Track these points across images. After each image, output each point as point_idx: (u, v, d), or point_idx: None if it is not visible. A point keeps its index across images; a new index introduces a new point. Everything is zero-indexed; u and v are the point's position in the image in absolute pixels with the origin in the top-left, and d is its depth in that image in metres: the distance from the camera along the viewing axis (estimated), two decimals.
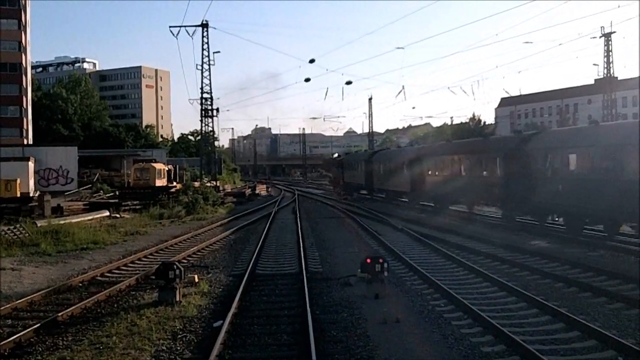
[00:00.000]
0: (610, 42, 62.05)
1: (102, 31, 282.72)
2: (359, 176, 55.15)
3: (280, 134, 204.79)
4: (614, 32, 61.73)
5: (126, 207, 39.28)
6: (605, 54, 62.75)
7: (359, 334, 10.73)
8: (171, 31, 59.00)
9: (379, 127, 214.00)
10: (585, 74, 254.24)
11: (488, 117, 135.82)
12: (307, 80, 63.48)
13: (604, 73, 64.22)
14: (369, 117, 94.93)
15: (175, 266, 13.34)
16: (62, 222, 28.04)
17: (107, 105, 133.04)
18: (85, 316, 12.40)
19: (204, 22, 59.80)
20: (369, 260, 13.85)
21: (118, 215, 34.92)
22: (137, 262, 19.66)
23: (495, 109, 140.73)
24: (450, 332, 10.78)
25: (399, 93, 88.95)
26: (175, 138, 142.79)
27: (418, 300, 13.24)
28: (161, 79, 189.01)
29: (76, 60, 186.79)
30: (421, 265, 17.04)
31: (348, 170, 60.64)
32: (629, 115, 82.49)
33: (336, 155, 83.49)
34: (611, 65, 62.72)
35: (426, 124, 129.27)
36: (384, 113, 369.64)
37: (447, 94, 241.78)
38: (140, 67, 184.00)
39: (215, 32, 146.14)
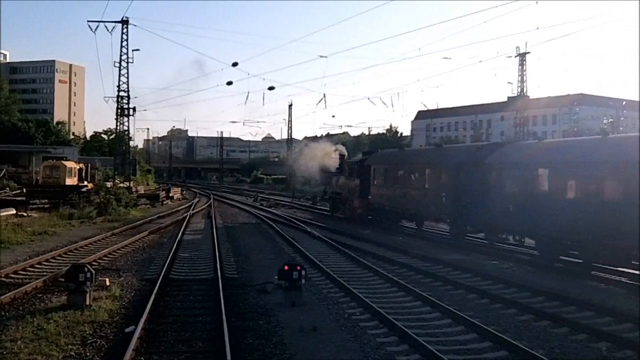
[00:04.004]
0: (524, 62, 64.44)
1: (14, 21, 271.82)
2: (423, 195, 28.52)
3: (197, 137, 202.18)
4: (528, 52, 64.12)
5: (34, 206, 37.80)
6: (520, 73, 65.15)
7: (275, 342, 10.65)
8: (89, 26, 57.08)
9: (298, 134, 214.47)
10: (502, 92, 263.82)
11: (405, 129, 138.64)
12: (229, 83, 62.40)
13: (517, 91, 66.65)
14: (289, 123, 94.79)
15: (86, 269, 12.91)
16: None
17: (17, 99, 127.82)
18: None
19: (125, 18, 58.32)
20: (286, 268, 13.81)
21: (25, 214, 33.56)
22: (44, 263, 18.90)
23: (412, 121, 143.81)
24: (367, 340, 10.87)
25: (320, 101, 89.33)
26: (88, 136, 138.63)
27: (335, 309, 13.29)
28: (75, 75, 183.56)
29: None
30: None
31: (385, 181, 33.56)
32: (538, 133, 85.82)
33: (333, 151, 46.75)
34: (525, 84, 65.13)
35: (344, 133, 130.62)
36: (304, 120, 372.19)
37: (367, 104, 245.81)
38: (53, 61, 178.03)
39: (135, 30, 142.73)
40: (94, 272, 13.16)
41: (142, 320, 11.21)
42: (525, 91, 65.99)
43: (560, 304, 13.95)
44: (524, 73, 64.91)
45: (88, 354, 9.78)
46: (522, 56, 64.00)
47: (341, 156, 43.79)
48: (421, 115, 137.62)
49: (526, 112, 69.12)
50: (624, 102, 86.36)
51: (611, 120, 79.57)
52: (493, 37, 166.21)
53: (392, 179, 32.63)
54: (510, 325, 12.14)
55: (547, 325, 12.19)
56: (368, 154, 39.12)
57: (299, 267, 13.80)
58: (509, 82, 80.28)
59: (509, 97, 79.87)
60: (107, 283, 15.11)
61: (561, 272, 18.68)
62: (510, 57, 64.39)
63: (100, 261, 19.58)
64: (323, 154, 47.53)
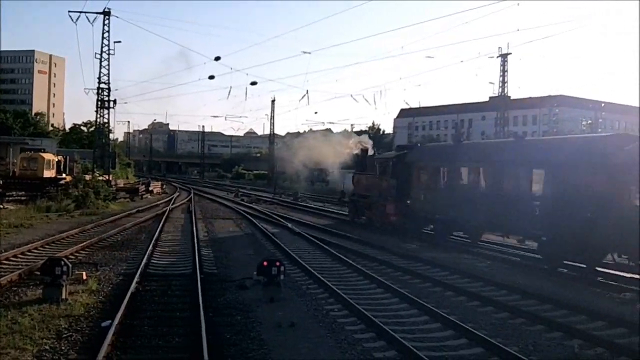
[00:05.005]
0: (506, 63, 64.90)
1: None
2: (503, 202, 20.82)
3: (179, 131, 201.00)
4: (510, 53, 64.60)
5: (10, 198, 37.38)
6: (501, 74, 65.57)
7: (252, 337, 10.62)
8: (70, 16, 56.46)
9: (280, 130, 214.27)
10: (484, 91, 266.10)
11: (387, 127, 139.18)
12: (212, 77, 62.27)
13: (498, 92, 67.11)
14: (271, 119, 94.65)
15: (62, 262, 12.77)
16: None
17: None
18: None
19: (106, 9, 57.76)
20: (265, 263, 13.79)
21: (1, 206, 33.19)
22: (20, 256, 18.65)
23: (394, 119, 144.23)
24: (344, 337, 10.87)
25: (303, 97, 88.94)
26: (67, 128, 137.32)
27: (313, 305, 13.28)
28: (55, 65, 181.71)
29: None
30: None
31: (435, 183, 26.47)
32: (518, 133, 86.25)
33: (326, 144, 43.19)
34: (506, 84, 65.59)
35: (327, 129, 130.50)
36: (286, 116, 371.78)
37: (349, 101, 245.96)
38: (33, 51, 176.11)
39: (117, 22, 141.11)
40: (70, 265, 13.03)
41: (119, 314, 11.11)
42: (506, 91, 66.48)
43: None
44: (505, 73, 65.42)
45: (63, 348, 9.67)
46: (504, 57, 64.54)
47: (364, 151, 36.79)
48: (403, 113, 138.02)
49: (507, 113, 69.60)
50: (603, 104, 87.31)
51: (590, 122, 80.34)
52: (475, 38, 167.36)
53: (448, 179, 25.49)
54: (486, 323, 12.22)
55: (522, 322, 12.29)
56: (407, 148, 31.86)
57: (278, 263, 13.81)
58: (490, 82, 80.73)
59: (490, 97, 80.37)
60: (84, 277, 14.95)
61: None
62: (492, 57, 64.89)
63: (78, 255, 19.37)
64: (315, 148, 43.29)
